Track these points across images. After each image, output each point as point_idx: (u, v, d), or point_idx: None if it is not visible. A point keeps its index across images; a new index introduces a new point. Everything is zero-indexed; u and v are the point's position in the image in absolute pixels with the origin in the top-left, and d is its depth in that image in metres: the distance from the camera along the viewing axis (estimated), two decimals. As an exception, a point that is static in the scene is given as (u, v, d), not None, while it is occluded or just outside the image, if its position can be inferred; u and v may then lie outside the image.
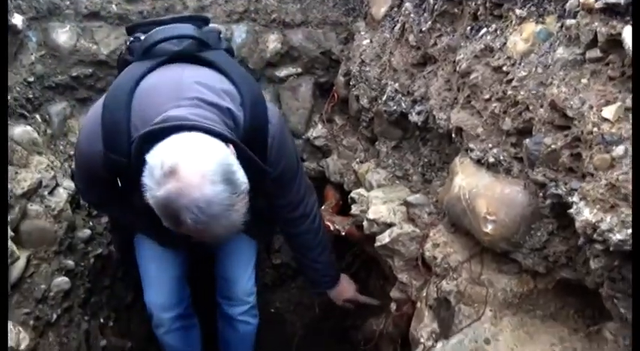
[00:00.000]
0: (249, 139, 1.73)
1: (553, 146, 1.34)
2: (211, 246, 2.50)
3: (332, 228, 2.53)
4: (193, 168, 1.41)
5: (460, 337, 1.51)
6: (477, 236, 1.54)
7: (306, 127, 2.93)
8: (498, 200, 1.47)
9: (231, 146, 1.56)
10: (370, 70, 2.48)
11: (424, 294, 1.75)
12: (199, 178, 1.40)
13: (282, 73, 2.86)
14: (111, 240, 2.52)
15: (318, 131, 2.90)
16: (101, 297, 2.41)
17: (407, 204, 1.97)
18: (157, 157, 1.44)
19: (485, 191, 1.51)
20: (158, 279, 2.35)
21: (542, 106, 1.40)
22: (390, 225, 2.01)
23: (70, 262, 2.22)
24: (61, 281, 2.14)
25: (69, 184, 2.33)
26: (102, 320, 2.40)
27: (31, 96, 2.44)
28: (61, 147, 2.51)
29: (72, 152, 2.49)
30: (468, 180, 1.58)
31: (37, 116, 2.48)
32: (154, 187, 1.43)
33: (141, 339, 2.63)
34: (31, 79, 2.46)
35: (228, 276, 2.50)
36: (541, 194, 1.40)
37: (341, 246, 2.44)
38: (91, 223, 2.45)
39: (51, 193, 2.23)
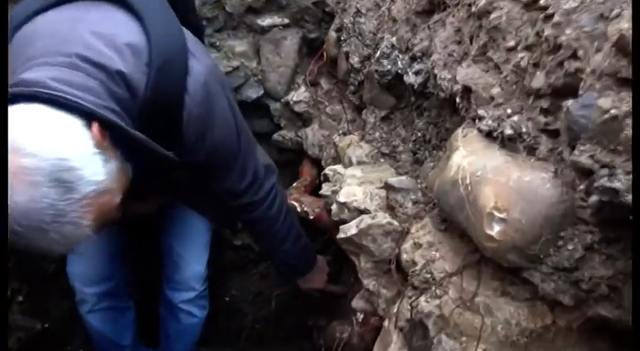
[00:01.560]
0: (152, 112, 1.23)
1: (613, 112, 0.81)
2: (155, 220, 2.02)
3: (299, 209, 2.02)
4: (9, 162, 0.97)
5: (436, 387, 1.00)
6: (475, 240, 1.02)
7: (286, 89, 2.40)
8: (513, 190, 0.94)
9: (95, 127, 1.07)
10: (365, 21, 1.94)
11: (394, 310, 1.24)
12: (12, 178, 0.97)
13: (265, 21, 2.32)
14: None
15: (300, 95, 2.37)
16: (9, 264, 1.91)
17: (388, 187, 1.45)
18: None
19: (495, 176, 0.98)
20: (85, 249, 1.86)
21: (599, 51, 0.87)
22: (363, 212, 1.49)
23: (-32, 220, 1.72)
24: (-52, 243, 1.64)
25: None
26: (9, 293, 1.91)
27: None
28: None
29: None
30: (471, 159, 1.05)
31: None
32: None
33: (59, 319, 2.14)
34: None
35: (174, 255, 2.01)
36: (582, 186, 0.87)
37: (309, 231, 1.93)
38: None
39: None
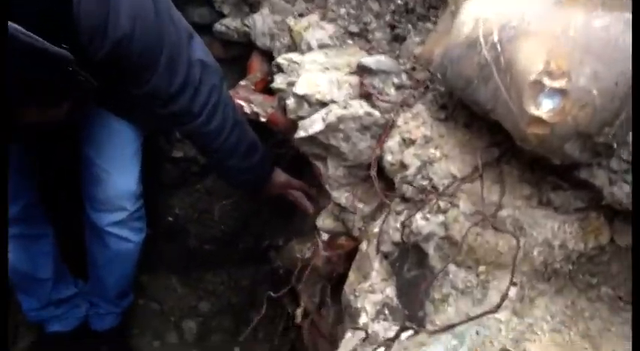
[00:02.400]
0: None
1: None
2: (68, 126, 1.58)
3: (248, 110, 1.63)
4: None
5: (448, 340, 0.67)
6: (508, 126, 0.66)
7: (228, -34, 1.92)
8: (577, 43, 0.58)
9: None
10: None
11: (375, 229, 0.91)
12: None
13: None
14: None
15: (244, -28, 1.90)
16: None
17: (362, 70, 1.06)
18: None
19: (542, 24, 0.61)
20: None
21: None
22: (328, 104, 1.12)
23: None
24: None
25: None
26: None
27: None
28: None
29: None
30: (497, 6, 0.68)
31: None
32: None
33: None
34: None
35: (95, 168, 1.60)
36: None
37: (261, 136, 1.55)
38: None
39: None
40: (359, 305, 0.86)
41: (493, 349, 0.61)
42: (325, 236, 1.38)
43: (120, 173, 1.60)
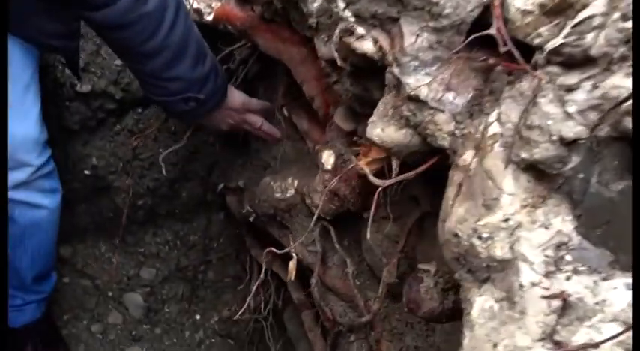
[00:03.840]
0: None
1: None
2: None
3: (187, 7, 1.17)
4: None
5: None
6: None
7: None
8: None
9: None
10: None
11: (493, 130, 0.54)
12: None
13: None
14: None
15: None
16: None
17: None
18: None
19: None
20: None
21: None
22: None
23: None
24: None
25: None
26: None
27: None
28: None
29: None
30: None
31: None
32: None
33: None
34: None
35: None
36: None
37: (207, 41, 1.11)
38: None
39: None
40: (499, 253, 0.50)
41: None
42: (331, 162, 1.01)
43: (15, 116, 1.10)
